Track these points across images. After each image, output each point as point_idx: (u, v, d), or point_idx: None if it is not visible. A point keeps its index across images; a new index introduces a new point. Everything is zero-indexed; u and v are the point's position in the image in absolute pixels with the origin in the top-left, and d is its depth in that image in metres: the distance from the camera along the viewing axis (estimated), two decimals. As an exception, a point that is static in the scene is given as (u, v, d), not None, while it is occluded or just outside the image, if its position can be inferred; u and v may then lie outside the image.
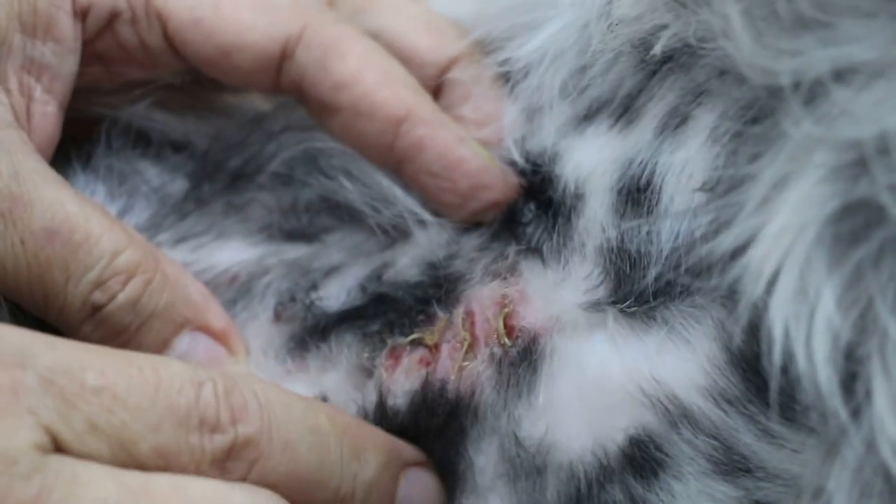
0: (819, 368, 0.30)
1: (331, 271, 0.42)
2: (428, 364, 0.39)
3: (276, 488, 0.34)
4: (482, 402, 0.38)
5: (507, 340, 0.38)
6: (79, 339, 0.37)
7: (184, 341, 0.40)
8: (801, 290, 0.31)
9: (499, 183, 0.40)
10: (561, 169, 0.39)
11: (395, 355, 0.40)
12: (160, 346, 0.39)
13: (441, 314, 0.40)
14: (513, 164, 0.41)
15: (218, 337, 0.40)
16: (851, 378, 0.30)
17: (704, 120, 0.36)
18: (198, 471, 0.33)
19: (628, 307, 0.35)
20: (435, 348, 0.39)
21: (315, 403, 0.37)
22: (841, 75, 0.32)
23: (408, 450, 0.38)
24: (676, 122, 0.36)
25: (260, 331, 0.42)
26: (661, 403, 0.35)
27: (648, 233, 0.35)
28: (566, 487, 0.36)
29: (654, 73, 0.37)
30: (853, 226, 0.31)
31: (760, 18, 0.33)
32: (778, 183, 0.32)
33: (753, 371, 0.33)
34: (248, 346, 0.41)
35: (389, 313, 0.40)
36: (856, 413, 0.30)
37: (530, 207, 0.40)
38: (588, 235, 0.37)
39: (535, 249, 0.39)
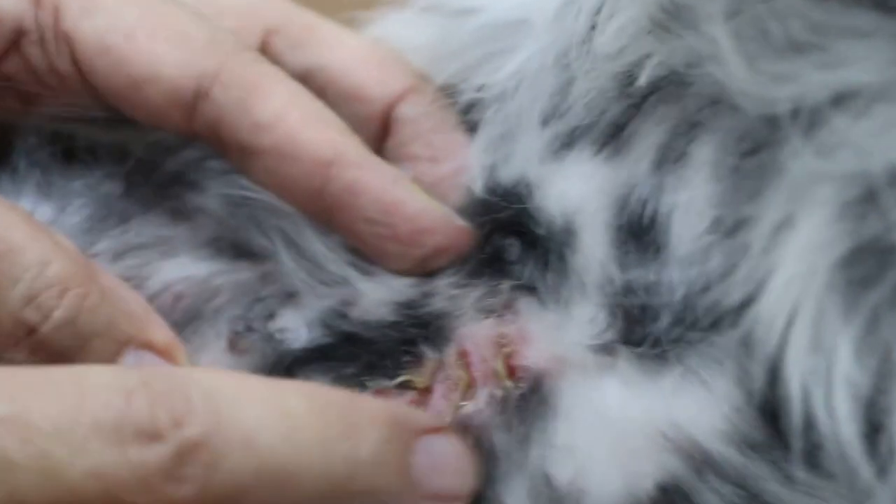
0: (841, 427, 0.31)
1: (287, 299, 0.41)
2: (420, 406, 0.39)
3: (246, 493, 0.32)
4: (494, 441, 0.38)
5: (508, 383, 0.38)
6: None
7: (128, 361, 0.38)
8: (816, 343, 0.31)
9: (443, 226, 0.39)
10: (541, 201, 0.39)
11: (381, 397, 0.39)
12: None
13: (430, 354, 0.39)
14: (482, 197, 0.40)
15: (163, 353, 0.39)
16: (875, 431, 0.31)
17: (703, 154, 0.35)
18: (147, 489, 0.31)
19: (640, 349, 0.36)
20: (426, 391, 0.39)
21: (284, 384, 0.35)
22: (840, 101, 0.32)
23: (419, 415, 0.37)
24: (675, 156, 0.36)
25: (215, 361, 0.40)
26: (683, 449, 0.35)
27: (658, 277, 0.35)
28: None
29: (640, 102, 0.37)
30: (866, 269, 0.31)
31: (751, 41, 0.33)
32: (782, 224, 0.32)
33: (775, 416, 0.34)
34: None
35: (365, 355, 0.40)
36: (882, 471, 0.31)
37: (513, 244, 0.39)
38: (587, 274, 0.37)
39: (530, 287, 0.39)
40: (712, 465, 0.35)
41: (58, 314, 0.36)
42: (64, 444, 0.31)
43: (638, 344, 0.35)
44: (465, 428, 0.38)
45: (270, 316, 0.40)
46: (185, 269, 0.41)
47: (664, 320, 0.35)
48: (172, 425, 0.32)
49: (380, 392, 0.39)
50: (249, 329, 0.40)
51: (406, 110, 0.41)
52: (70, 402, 0.31)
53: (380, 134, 0.41)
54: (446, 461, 0.36)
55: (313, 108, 0.40)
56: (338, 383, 0.39)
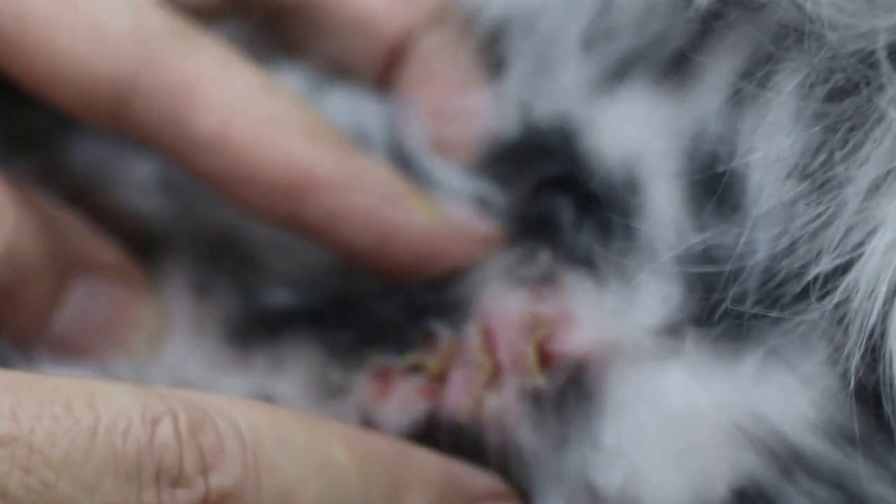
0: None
1: (268, 247, 0.36)
2: (433, 395, 0.34)
3: None
4: (523, 444, 0.33)
5: (539, 377, 0.33)
6: None
7: (78, 294, 0.35)
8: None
9: (457, 242, 0.34)
10: (593, 145, 0.34)
11: (383, 377, 0.34)
12: (47, 305, 0.34)
13: (444, 333, 0.34)
14: (516, 144, 0.34)
15: (114, 275, 0.35)
16: None
17: (787, 83, 0.31)
18: None
19: (713, 329, 0.31)
20: (440, 377, 0.34)
21: (325, 427, 0.31)
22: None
23: (475, 478, 0.33)
24: (752, 92, 0.31)
25: (180, 306, 0.36)
26: (766, 445, 0.31)
27: (736, 240, 0.31)
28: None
29: (705, 27, 0.32)
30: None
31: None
32: (880, 180, 0.29)
33: (877, 402, 0.30)
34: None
35: (361, 325, 0.35)
36: None
37: (561, 202, 0.34)
38: (659, 239, 0.32)
39: (578, 255, 0.33)
40: (802, 463, 0.31)
41: None
42: (72, 478, 0.27)
43: (711, 322, 0.31)
44: (486, 426, 0.33)
45: (240, 265, 0.35)
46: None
47: (743, 292, 0.31)
48: (200, 470, 0.28)
49: (383, 371, 0.34)
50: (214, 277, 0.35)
51: (418, 47, 0.35)
52: (85, 427, 0.27)
53: (385, 68, 0.36)
54: None
55: (266, 109, 0.34)
56: (328, 353, 0.34)
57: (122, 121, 0.34)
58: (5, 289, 0.33)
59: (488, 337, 0.33)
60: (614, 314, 0.32)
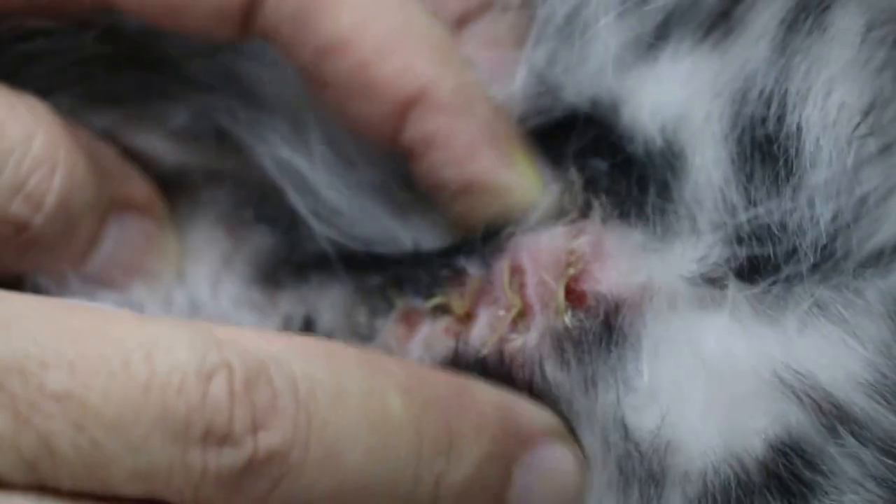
0: None
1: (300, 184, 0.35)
2: (458, 336, 0.32)
3: None
4: (552, 383, 0.31)
5: (566, 316, 0.31)
6: None
7: (113, 231, 0.34)
8: None
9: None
10: (632, 115, 0.31)
11: (409, 321, 0.33)
12: (87, 249, 0.33)
13: (473, 270, 0.32)
14: (548, 124, 0.32)
15: (143, 210, 0.35)
16: None
17: (845, 26, 0.29)
18: (195, 498, 0.27)
19: (758, 285, 0.29)
20: (467, 317, 0.32)
21: (386, 372, 0.30)
22: None
23: (531, 415, 0.31)
24: (806, 27, 0.29)
25: (208, 243, 0.35)
26: (810, 399, 0.29)
27: (791, 205, 0.29)
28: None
29: None
30: None
31: None
32: None
33: None
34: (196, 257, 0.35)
35: (391, 268, 0.33)
36: None
37: (600, 168, 0.32)
38: (700, 208, 0.31)
39: (617, 199, 0.32)
40: (850, 423, 0.29)
41: (50, 200, 0.31)
42: (121, 438, 0.27)
43: (758, 281, 0.29)
44: (512, 364, 0.31)
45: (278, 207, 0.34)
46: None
47: (803, 253, 0.29)
48: (250, 429, 0.27)
49: (409, 314, 0.33)
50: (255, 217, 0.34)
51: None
52: (139, 384, 0.27)
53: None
54: (550, 482, 0.31)
55: (399, 16, 0.32)
56: (357, 296, 0.33)
57: (252, 25, 0.33)
58: (52, 238, 0.32)
59: (517, 274, 0.31)
60: (653, 260, 0.30)
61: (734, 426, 0.30)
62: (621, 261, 0.31)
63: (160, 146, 0.35)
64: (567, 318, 0.31)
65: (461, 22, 0.34)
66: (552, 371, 0.31)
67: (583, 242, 0.31)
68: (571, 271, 0.31)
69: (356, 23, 0.32)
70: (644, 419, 0.30)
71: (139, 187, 0.34)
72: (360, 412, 0.29)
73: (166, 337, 0.28)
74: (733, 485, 0.29)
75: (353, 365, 0.30)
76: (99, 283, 0.33)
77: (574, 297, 0.31)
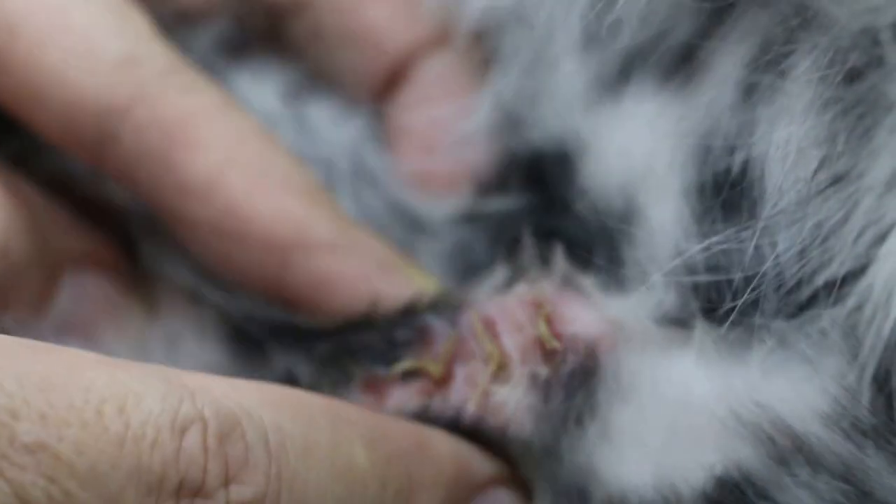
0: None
1: None
2: (432, 396, 0.32)
3: None
4: (531, 430, 0.31)
5: (556, 343, 0.31)
6: None
7: (68, 289, 0.33)
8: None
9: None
10: (593, 167, 0.32)
11: (374, 390, 0.32)
12: (40, 303, 0.33)
13: (440, 328, 0.32)
14: (503, 175, 0.33)
15: (105, 267, 0.34)
16: None
17: (801, 79, 0.29)
18: None
19: (723, 324, 0.30)
20: (443, 380, 0.32)
21: (349, 425, 0.30)
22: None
23: (481, 466, 0.32)
24: (767, 80, 0.30)
25: (169, 304, 0.34)
26: (764, 434, 0.29)
27: (748, 243, 0.29)
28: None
29: (718, 13, 0.31)
30: None
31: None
32: (891, 178, 0.28)
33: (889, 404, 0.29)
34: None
35: (335, 335, 0.32)
36: None
37: (560, 223, 0.33)
38: (653, 262, 0.31)
39: (581, 260, 0.32)
40: (805, 454, 0.29)
41: None
42: (96, 490, 0.26)
43: (720, 321, 0.29)
44: (498, 416, 0.31)
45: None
46: None
47: (755, 296, 0.29)
48: (223, 483, 0.27)
49: (372, 383, 0.32)
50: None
51: (421, 68, 0.34)
52: (114, 437, 0.27)
53: (383, 87, 0.35)
54: None
55: (263, 158, 0.32)
56: (312, 364, 0.32)
57: (105, 155, 0.32)
58: None
59: (490, 326, 0.31)
60: (611, 300, 0.31)
61: (674, 461, 0.30)
62: (588, 304, 0.31)
63: (111, 197, 0.34)
64: (552, 359, 0.30)
65: (413, 56, 0.34)
66: (536, 417, 0.31)
67: (547, 290, 0.31)
68: (544, 313, 0.31)
69: (218, 161, 0.31)
70: (607, 461, 0.30)
71: (98, 243, 0.34)
72: (328, 464, 0.29)
73: (138, 385, 0.28)
74: None
75: (320, 415, 0.30)
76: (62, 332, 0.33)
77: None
